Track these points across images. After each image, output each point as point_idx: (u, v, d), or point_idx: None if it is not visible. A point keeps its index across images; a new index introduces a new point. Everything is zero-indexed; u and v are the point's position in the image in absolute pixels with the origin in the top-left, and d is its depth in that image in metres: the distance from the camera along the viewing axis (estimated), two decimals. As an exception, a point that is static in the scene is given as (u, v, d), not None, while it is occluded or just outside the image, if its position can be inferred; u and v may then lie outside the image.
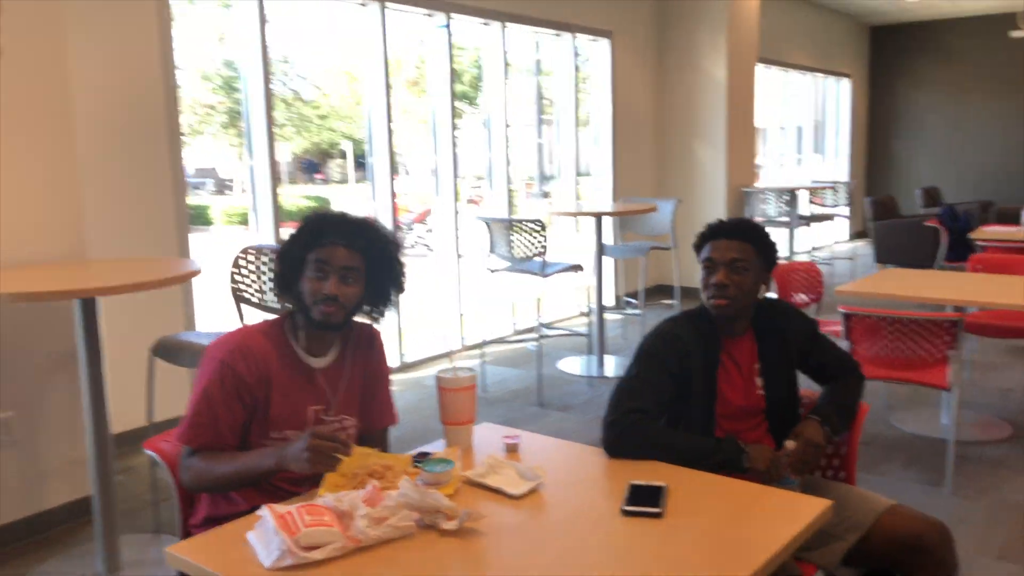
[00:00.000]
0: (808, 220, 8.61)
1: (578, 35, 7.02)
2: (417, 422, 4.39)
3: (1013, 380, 5.07)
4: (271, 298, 3.56)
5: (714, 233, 2.15)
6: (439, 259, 6.19)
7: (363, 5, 5.23)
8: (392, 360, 5.29)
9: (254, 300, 3.60)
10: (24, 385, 3.19)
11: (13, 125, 3.07)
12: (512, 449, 1.91)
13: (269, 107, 4.69)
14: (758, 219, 7.80)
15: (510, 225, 5.04)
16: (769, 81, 10.14)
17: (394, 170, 5.50)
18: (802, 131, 11.39)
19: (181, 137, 4.31)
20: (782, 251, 8.18)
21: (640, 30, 7.74)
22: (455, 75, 5.94)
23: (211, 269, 3.32)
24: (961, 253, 6.50)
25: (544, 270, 4.99)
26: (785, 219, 7.99)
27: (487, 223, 5.29)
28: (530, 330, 6.32)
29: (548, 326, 6.59)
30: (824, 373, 2.26)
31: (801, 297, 4.46)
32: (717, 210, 7.79)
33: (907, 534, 1.90)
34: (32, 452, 3.24)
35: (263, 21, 4.62)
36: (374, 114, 5.39)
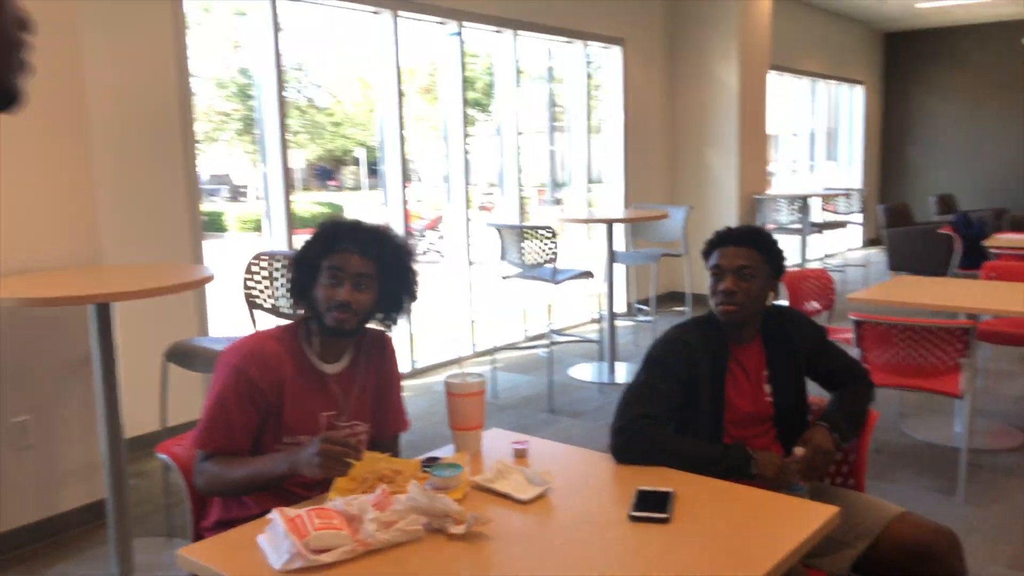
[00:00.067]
0: (820, 227, 8.59)
1: (590, 42, 7.04)
2: (428, 428, 4.40)
3: (1027, 388, 5.04)
4: (283, 304, 3.59)
5: (722, 240, 2.17)
6: (451, 266, 6.21)
7: (376, 13, 5.27)
8: (403, 366, 5.31)
9: (266, 306, 3.63)
10: (40, 389, 3.23)
11: (29, 132, 3.11)
12: (521, 454, 1.92)
13: (282, 114, 4.73)
14: (770, 226, 7.79)
15: (521, 232, 5.06)
16: (782, 88, 10.13)
17: (406, 177, 5.53)
18: (815, 138, 11.37)
19: (196, 144, 4.36)
20: (794, 258, 8.22)
21: (652, 37, 7.75)
22: (468, 82, 5.97)
23: (225, 275, 3.35)
24: (975, 260, 6.46)
25: (555, 277, 5.00)
26: (797, 226, 7.97)
27: (498, 230, 5.30)
28: (541, 336, 6.33)
29: (559, 332, 6.60)
30: (833, 380, 2.27)
31: (813, 304, 4.45)
32: (729, 217, 7.78)
33: (916, 542, 1.90)
34: (48, 455, 3.27)
35: (277, 29, 4.66)
36: (386, 121, 5.43)
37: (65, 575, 3.02)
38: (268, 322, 3.42)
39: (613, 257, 5.56)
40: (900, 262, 8.65)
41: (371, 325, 2.00)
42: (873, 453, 4.02)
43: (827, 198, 9.39)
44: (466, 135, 5.93)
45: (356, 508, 1.50)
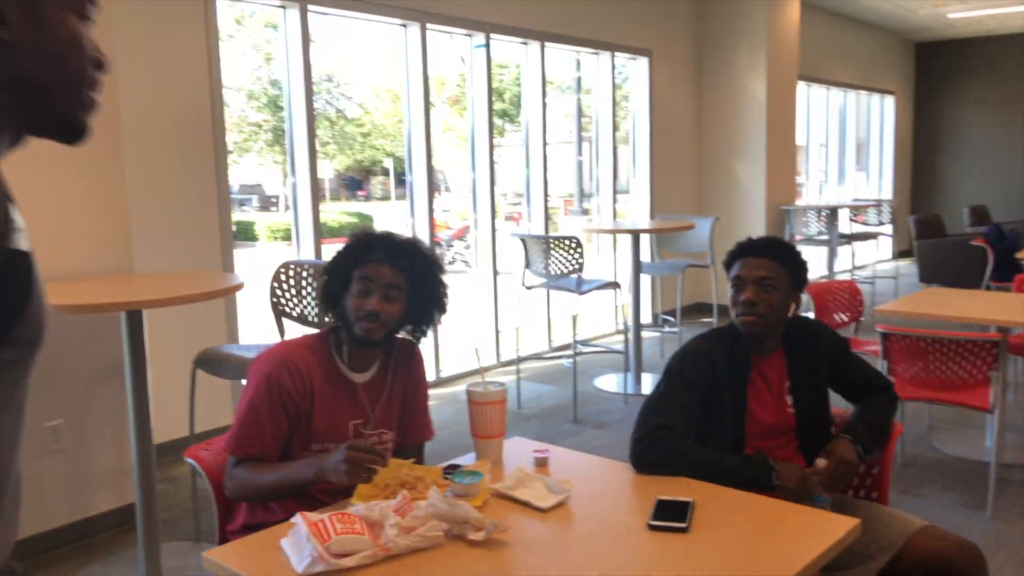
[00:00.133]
0: (849, 239, 8.50)
1: (617, 54, 7.06)
2: (452, 436, 4.42)
3: (1060, 403, 4.95)
4: (311, 312, 3.63)
5: (743, 251, 2.17)
6: (477, 275, 6.24)
7: (404, 26, 5.33)
8: (429, 375, 5.34)
9: (294, 314, 3.68)
10: (72, 394, 3.29)
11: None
12: (541, 463, 1.93)
13: (311, 125, 4.79)
14: (797, 237, 7.74)
15: (546, 242, 5.07)
16: (811, 98, 10.07)
17: (434, 187, 5.57)
18: (845, 149, 11.28)
19: (227, 154, 4.43)
20: (822, 270, 8.13)
21: (679, 49, 7.75)
22: (496, 93, 6.00)
23: (254, 284, 3.39)
24: (1007, 273, 6.37)
25: (580, 287, 5.01)
26: (825, 237, 7.91)
27: (523, 240, 5.32)
28: (566, 347, 6.33)
29: (584, 343, 6.59)
30: (856, 392, 2.25)
31: (841, 316, 4.41)
32: (756, 228, 7.74)
33: (939, 555, 1.89)
34: (79, 459, 3.33)
35: (307, 41, 4.73)
36: (414, 132, 5.48)
37: (95, 577, 3.07)
38: (295, 330, 3.47)
39: (639, 267, 5.56)
40: (931, 275, 8.54)
41: (400, 335, 2.03)
42: (902, 467, 3.97)
43: (856, 209, 9.30)
44: (493, 145, 5.96)
45: (377, 513, 1.52)
